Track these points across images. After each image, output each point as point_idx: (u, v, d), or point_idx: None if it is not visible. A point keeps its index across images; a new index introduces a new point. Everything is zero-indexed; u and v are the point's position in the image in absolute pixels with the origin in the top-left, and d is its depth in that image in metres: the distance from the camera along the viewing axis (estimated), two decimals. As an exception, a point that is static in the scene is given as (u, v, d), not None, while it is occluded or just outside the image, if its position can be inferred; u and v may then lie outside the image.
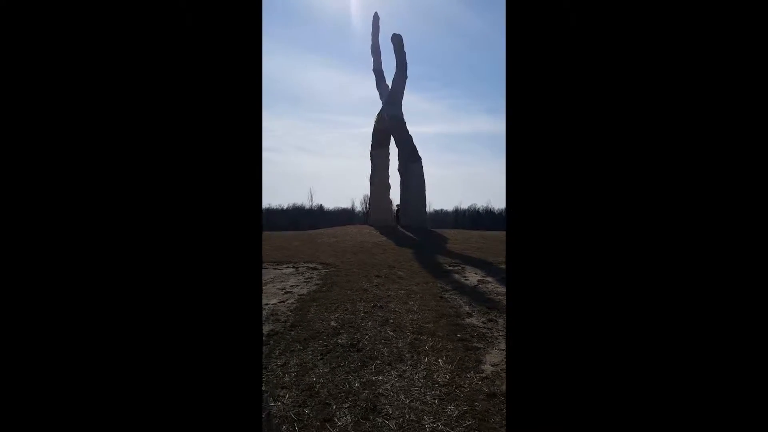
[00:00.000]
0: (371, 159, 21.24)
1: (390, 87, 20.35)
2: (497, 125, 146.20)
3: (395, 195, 20.68)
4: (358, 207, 72.17)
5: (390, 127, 19.69)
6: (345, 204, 70.82)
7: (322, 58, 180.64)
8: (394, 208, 20.77)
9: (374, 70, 21.37)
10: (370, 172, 21.21)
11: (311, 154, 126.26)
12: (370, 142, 21.38)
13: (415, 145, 19.15)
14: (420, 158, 18.98)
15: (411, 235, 15.35)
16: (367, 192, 21.97)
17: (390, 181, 20.96)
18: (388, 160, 21.11)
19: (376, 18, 21.43)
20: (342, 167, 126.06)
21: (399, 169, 19.42)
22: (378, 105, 20.91)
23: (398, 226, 19.65)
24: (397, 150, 19.64)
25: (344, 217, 66.83)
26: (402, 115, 19.86)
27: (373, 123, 20.97)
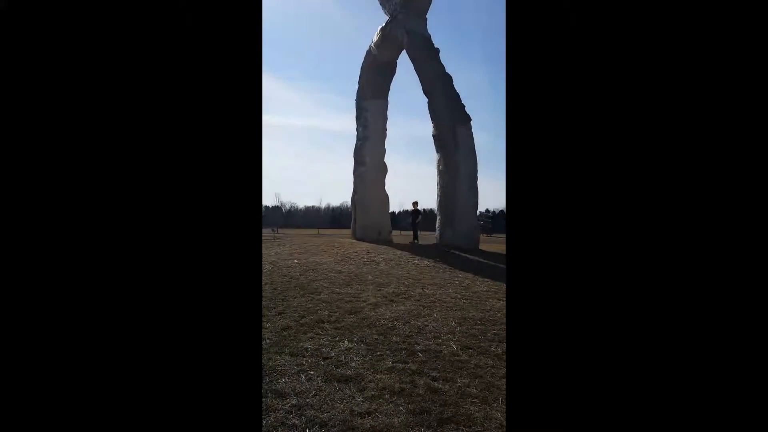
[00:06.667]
0: (357, 117, 11.50)
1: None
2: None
3: (391, 183, 11.40)
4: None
5: (409, 50, 10.28)
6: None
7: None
8: (400, 207, 11.42)
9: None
10: (355, 141, 11.45)
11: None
12: (357, 88, 11.61)
13: (458, 93, 10.13)
14: (470, 118, 10.04)
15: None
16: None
17: (385, 159, 11.57)
18: (386, 119, 11.68)
19: None
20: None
21: (436, 136, 10.13)
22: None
23: (416, 242, 10.73)
24: (427, 103, 10.26)
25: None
26: (430, 35, 10.61)
27: (369, 46, 11.23)
